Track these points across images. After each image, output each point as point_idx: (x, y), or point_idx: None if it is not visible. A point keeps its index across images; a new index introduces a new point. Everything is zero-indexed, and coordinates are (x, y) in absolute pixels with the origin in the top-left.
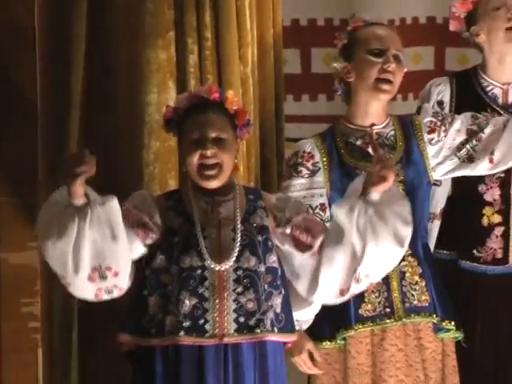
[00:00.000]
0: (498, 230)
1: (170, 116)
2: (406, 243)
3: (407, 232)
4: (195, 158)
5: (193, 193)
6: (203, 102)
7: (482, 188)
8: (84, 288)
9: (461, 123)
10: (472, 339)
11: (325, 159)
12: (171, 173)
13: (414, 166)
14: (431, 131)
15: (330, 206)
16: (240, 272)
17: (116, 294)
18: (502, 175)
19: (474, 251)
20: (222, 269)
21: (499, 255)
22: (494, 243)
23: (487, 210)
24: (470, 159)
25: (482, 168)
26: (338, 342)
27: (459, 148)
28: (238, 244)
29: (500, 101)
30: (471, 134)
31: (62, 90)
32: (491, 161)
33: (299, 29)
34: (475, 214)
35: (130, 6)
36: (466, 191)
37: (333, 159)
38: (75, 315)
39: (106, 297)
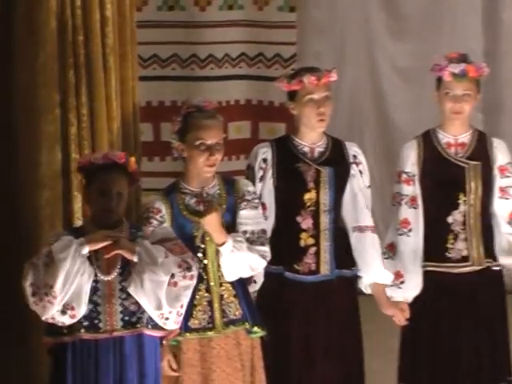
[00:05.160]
0: (312, 250)
1: (85, 164)
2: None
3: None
4: (100, 204)
5: (90, 228)
6: (113, 163)
7: (299, 218)
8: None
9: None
10: (289, 334)
11: (168, 211)
12: (60, 217)
13: (232, 216)
14: (243, 199)
15: None
16: (124, 283)
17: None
18: (314, 208)
19: (295, 265)
20: (110, 279)
21: (313, 268)
22: (309, 259)
23: (303, 235)
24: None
25: None
26: (172, 342)
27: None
28: (120, 262)
29: (309, 155)
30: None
31: None
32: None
33: (151, 108)
34: (295, 237)
35: (28, 89)
36: (287, 221)
37: (174, 211)
38: None
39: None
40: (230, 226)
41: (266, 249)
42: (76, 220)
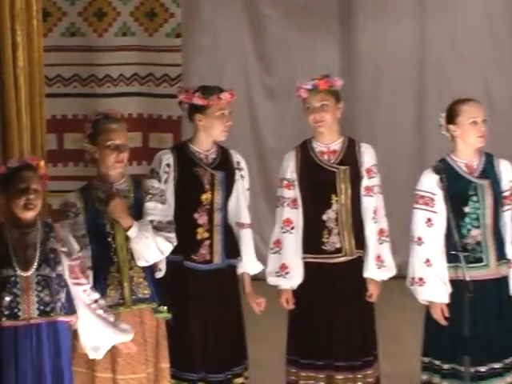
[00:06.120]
0: (207, 242)
1: (2, 172)
2: None
3: None
4: (22, 201)
5: (8, 228)
6: (27, 164)
7: (196, 215)
8: None
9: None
10: (187, 316)
11: (82, 205)
12: None
13: (139, 210)
14: (147, 193)
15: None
16: (39, 278)
17: None
18: (209, 207)
19: (192, 256)
20: (28, 275)
21: (207, 258)
22: (204, 250)
23: (200, 230)
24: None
25: None
26: None
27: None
28: (37, 259)
29: (204, 161)
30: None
31: None
32: None
33: (56, 121)
34: (192, 232)
35: None
36: (186, 218)
37: (87, 204)
38: None
39: None
40: (138, 219)
41: (172, 235)
42: None
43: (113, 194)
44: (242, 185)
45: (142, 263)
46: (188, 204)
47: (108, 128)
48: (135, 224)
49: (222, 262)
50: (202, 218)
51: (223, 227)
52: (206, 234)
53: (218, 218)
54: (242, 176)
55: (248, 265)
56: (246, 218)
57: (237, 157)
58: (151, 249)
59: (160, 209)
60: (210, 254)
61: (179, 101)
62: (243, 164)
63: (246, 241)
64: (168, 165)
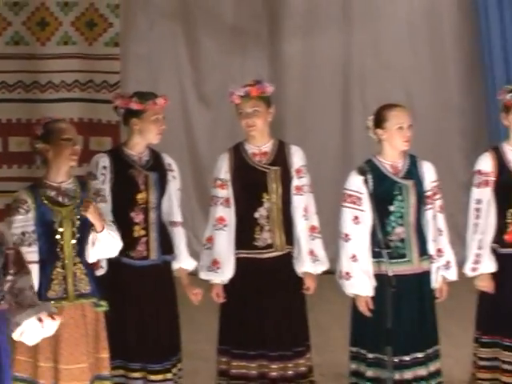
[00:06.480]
0: (143, 240)
1: None
2: None
3: None
4: None
5: None
6: None
7: (133, 214)
8: None
9: None
10: (125, 310)
11: (33, 204)
12: None
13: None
14: (97, 195)
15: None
16: None
17: None
18: (144, 206)
19: (130, 252)
20: None
21: (144, 254)
22: (141, 247)
23: (136, 228)
24: None
25: None
26: None
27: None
28: None
29: (138, 163)
30: None
31: None
32: None
33: (1, 125)
34: (129, 230)
35: None
36: (123, 217)
37: (37, 201)
38: None
39: None
40: (86, 218)
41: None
42: None
43: (89, 199)
44: (173, 185)
45: (92, 260)
46: (124, 204)
47: (60, 126)
48: (106, 226)
49: (158, 258)
50: (138, 217)
51: (158, 225)
52: (143, 232)
53: (153, 216)
54: (173, 177)
55: (182, 261)
56: (178, 216)
57: (168, 159)
58: (112, 249)
59: (105, 208)
60: (147, 250)
61: (115, 106)
62: (174, 166)
63: (180, 238)
64: (104, 167)
